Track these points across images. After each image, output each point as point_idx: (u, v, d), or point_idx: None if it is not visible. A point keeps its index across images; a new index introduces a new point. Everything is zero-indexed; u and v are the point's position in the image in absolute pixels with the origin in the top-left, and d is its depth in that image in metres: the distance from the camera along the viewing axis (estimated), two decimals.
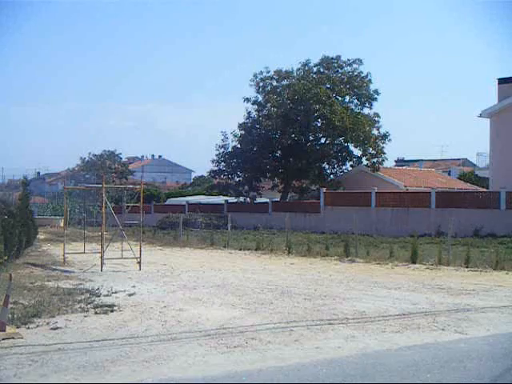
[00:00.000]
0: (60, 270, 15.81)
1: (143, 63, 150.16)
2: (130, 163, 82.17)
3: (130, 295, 11.35)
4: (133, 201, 23.02)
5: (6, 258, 14.18)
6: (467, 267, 16.48)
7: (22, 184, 24.23)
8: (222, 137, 40.69)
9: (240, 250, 23.18)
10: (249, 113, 40.30)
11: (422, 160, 65.29)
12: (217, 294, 11.63)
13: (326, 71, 39.68)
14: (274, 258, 20.19)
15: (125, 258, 17.49)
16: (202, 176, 74.15)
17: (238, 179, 40.74)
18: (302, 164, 37.41)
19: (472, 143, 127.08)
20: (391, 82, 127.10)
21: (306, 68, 40.20)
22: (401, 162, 64.56)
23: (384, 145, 38.32)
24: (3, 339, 7.40)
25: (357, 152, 39.18)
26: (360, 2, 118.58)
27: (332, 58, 39.79)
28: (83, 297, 10.82)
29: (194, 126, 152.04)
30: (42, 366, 6.36)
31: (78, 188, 33.26)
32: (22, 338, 7.58)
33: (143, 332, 8.10)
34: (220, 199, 43.25)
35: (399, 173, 42.01)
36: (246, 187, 40.11)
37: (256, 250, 22.70)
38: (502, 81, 31.80)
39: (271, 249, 22.44)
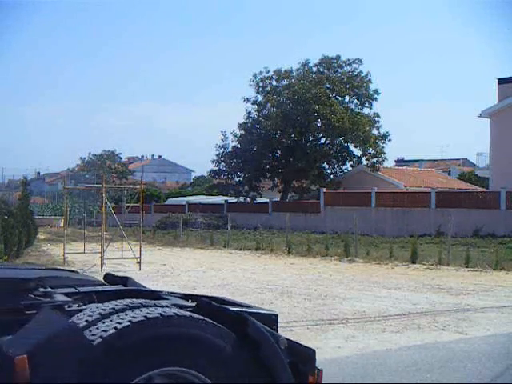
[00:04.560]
0: None
1: (143, 63, 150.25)
2: (130, 163, 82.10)
3: None
4: (133, 201, 23.02)
5: (6, 257, 14.19)
6: (467, 267, 16.47)
7: (22, 184, 24.26)
8: (222, 137, 40.83)
9: (240, 249, 23.17)
10: (249, 113, 40.39)
11: (422, 160, 65.22)
12: (217, 294, 11.63)
13: (326, 71, 39.69)
14: (273, 258, 20.18)
15: (125, 258, 17.47)
16: (202, 176, 74.08)
17: (237, 179, 40.78)
18: (302, 164, 37.41)
19: (472, 143, 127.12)
20: (391, 82, 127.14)
21: (306, 68, 40.22)
22: (401, 162, 64.49)
23: (384, 145, 38.39)
24: None
25: (357, 152, 39.26)
26: (360, 2, 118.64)
27: (332, 58, 39.79)
28: None
29: (194, 126, 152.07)
30: None
31: (78, 188, 33.28)
32: None
33: None
34: (220, 199, 43.25)
35: (399, 173, 42.01)
36: (246, 187, 40.14)
37: (256, 249, 22.69)
38: (501, 81, 31.83)
39: (271, 249, 22.43)
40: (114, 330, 2.54)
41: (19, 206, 20.83)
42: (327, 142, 39.28)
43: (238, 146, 40.07)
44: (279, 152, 39.57)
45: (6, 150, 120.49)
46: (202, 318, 2.80)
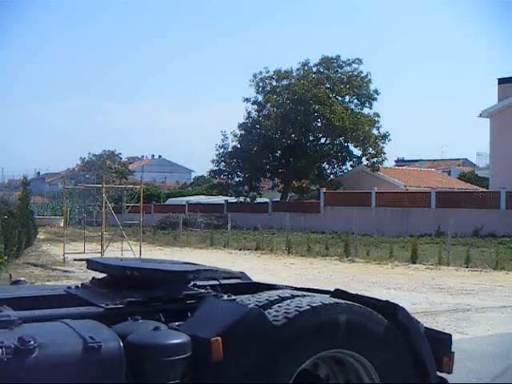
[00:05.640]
0: (60, 270, 15.78)
1: (144, 63, 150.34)
2: (130, 163, 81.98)
3: None
4: (133, 201, 23.07)
5: (6, 257, 14.18)
6: (467, 267, 16.47)
7: (22, 184, 24.21)
8: (222, 137, 40.77)
9: (240, 249, 23.17)
10: (249, 113, 40.35)
11: (422, 160, 65.17)
12: None
13: (326, 71, 39.65)
14: (273, 258, 20.18)
15: None
16: (202, 176, 74.03)
17: (238, 179, 40.75)
18: (302, 164, 37.39)
19: (472, 143, 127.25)
20: (391, 82, 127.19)
21: (306, 68, 40.18)
22: (401, 162, 64.45)
23: (384, 145, 38.35)
24: None
25: (357, 152, 39.25)
26: (360, 2, 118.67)
27: (332, 58, 39.74)
28: None
29: (194, 126, 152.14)
30: None
31: (78, 188, 33.32)
32: None
33: None
34: (220, 199, 43.22)
35: (399, 173, 41.99)
36: (246, 187, 40.12)
37: (256, 249, 22.68)
38: (502, 81, 31.82)
39: (271, 249, 22.43)
40: (285, 320, 2.87)
41: (19, 206, 20.82)
42: (327, 141, 39.27)
43: (238, 146, 40.03)
44: (279, 152, 39.54)
45: (5, 150, 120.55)
46: (358, 305, 3.10)
